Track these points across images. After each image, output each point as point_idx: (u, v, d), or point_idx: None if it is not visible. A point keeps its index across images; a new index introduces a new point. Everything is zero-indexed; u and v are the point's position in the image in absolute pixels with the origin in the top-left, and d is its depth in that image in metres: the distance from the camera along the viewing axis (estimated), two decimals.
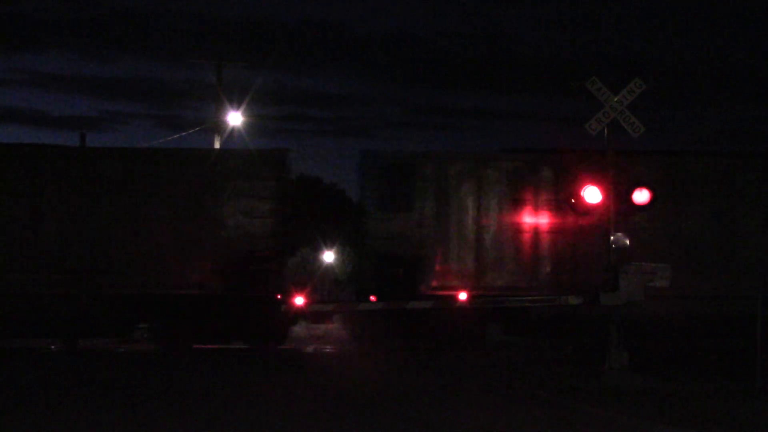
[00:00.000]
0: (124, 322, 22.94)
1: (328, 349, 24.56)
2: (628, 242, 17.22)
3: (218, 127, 36.43)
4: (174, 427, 11.63)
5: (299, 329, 26.31)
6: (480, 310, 21.70)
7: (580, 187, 17.85)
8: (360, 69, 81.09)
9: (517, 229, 22.48)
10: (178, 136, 36.62)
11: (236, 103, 36.68)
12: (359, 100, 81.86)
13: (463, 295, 21.80)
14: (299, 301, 21.99)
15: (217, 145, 36.00)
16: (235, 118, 36.78)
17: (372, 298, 21.99)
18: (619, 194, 17.55)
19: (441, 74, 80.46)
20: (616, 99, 17.03)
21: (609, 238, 17.33)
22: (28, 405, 13.44)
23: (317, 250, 38.23)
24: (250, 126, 37.38)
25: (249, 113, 37.31)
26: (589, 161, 19.60)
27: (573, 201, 18.46)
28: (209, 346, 22.82)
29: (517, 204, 22.56)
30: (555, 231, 22.44)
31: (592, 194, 17.54)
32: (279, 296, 21.87)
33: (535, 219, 22.52)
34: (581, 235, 22.05)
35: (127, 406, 13.40)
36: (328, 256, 38.86)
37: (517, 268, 22.40)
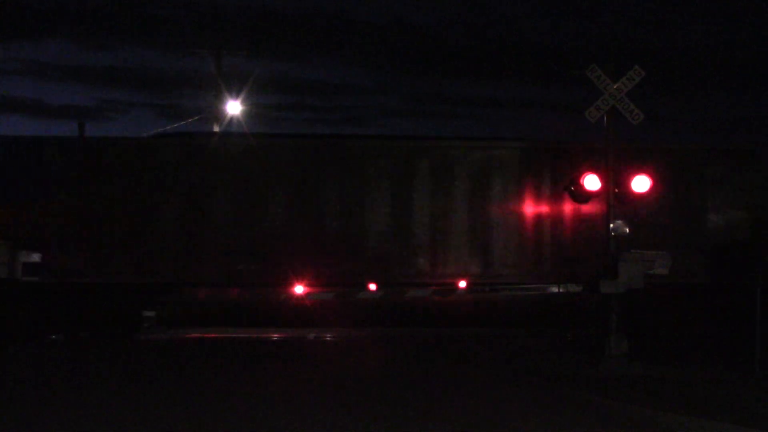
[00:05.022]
0: None
1: None
2: (627, 230, 17.24)
3: (217, 116, 36.44)
4: None
5: None
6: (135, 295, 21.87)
7: (581, 174, 17.88)
8: (359, 58, 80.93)
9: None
10: (177, 125, 36.61)
11: (235, 92, 36.72)
12: (358, 89, 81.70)
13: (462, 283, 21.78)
14: (299, 289, 21.98)
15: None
16: (234, 107, 36.82)
17: (372, 285, 21.99)
18: (618, 182, 17.56)
19: (440, 63, 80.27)
20: (615, 86, 17.04)
21: (609, 225, 17.36)
22: None
23: None
24: (249, 115, 37.42)
25: (248, 102, 37.35)
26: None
27: (573, 189, 18.47)
28: None
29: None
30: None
31: (591, 182, 17.57)
32: None
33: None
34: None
35: None
36: None
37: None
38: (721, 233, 21.82)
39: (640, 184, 17.97)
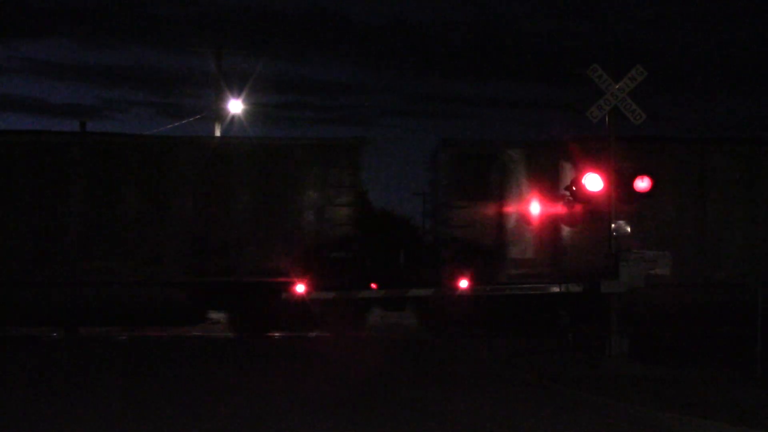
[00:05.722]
0: None
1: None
2: (629, 230, 17.21)
3: (218, 115, 36.41)
4: None
5: None
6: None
7: (582, 174, 17.84)
8: (360, 57, 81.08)
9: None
10: (178, 123, 36.62)
11: (236, 91, 36.70)
12: (359, 88, 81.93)
13: (464, 282, 21.77)
14: (300, 288, 21.95)
15: (217, 134, 36.00)
16: (235, 106, 36.80)
17: (373, 285, 21.93)
18: (620, 182, 17.52)
19: (440, 62, 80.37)
20: (617, 86, 17.00)
21: (611, 225, 17.32)
22: None
23: None
24: (250, 114, 37.40)
25: (249, 101, 37.32)
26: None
27: (574, 189, 18.42)
28: None
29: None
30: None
31: (593, 182, 17.53)
32: None
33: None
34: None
35: None
36: None
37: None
38: None
39: (642, 183, 17.93)
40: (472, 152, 23.09)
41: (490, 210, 22.69)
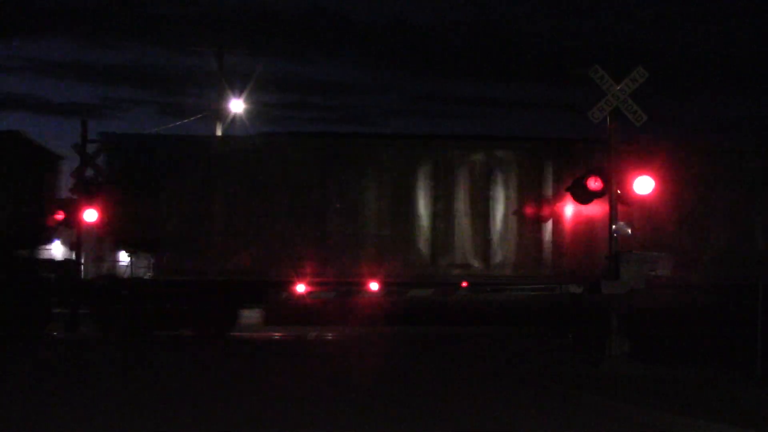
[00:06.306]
0: None
1: None
2: (630, 231, 17.23)
3: (220, 114, 36.42)
4: None
5: None
6: None
7: (586, 175, 17.89)
8: (361, 57, 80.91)
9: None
10: (179, 123, 36.66)
11: (238, 91, 36.71)
12: (360, 88, 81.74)
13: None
14: (301, 288, 21.97)
15: (219, 133, 36.00)
16: (237, 106, 36.81)
17: (374, 283, 21.93)
18: (620, 183, 17.55)
19: (442, 62, 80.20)
20: (618, 88, 17.00)
21: (611, 226, 17.35)
22: None
23: None
24: (252, 113, 37.41)
25: (251, 100, 37.34)
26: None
27: (575, 189, 18.49)
28: None
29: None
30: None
31: (595, 183, 17.59)
32: None
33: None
34: None
35: None
36: None
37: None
38: None
39: (643, 185, 17.98)
40: (128, 146, 22.46)
41: (147, 205, 21.92)
